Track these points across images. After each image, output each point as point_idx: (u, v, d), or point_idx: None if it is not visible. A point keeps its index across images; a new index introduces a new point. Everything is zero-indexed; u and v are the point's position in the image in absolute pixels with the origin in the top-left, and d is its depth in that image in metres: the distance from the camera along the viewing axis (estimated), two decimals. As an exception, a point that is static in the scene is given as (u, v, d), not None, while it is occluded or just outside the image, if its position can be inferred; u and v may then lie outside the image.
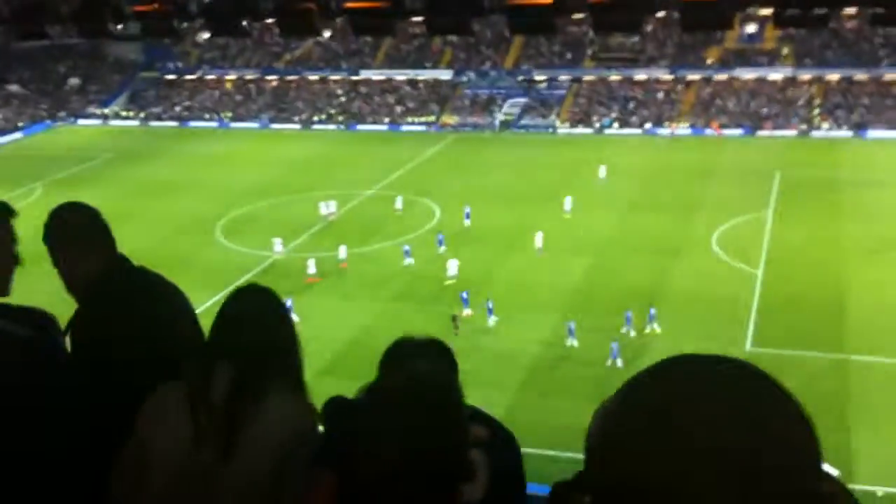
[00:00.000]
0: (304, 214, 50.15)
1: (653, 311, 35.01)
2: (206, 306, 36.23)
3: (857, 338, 33.38)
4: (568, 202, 49.04)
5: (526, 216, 48.04)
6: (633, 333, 34.28)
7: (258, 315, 3.40)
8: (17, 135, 79.21)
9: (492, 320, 35.61)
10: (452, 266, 39.81)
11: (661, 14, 49.82)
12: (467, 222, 47.76)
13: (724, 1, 20.58)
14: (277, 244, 43.99)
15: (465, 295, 36.95)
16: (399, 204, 51.18)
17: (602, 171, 56.34)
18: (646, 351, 33.17)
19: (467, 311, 36.27)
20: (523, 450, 3.05)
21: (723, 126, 69.60)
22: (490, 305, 35.98)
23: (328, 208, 50.11)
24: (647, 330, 34.64)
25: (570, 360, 32.99)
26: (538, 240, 42.95)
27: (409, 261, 42.16)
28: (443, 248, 43.58)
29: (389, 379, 2.10)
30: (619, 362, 32.00)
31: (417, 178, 58.31)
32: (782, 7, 20.30)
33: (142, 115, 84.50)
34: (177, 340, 3.95)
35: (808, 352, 32.15)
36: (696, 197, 51.23)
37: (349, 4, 23.42)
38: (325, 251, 43.29)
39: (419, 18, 24.75)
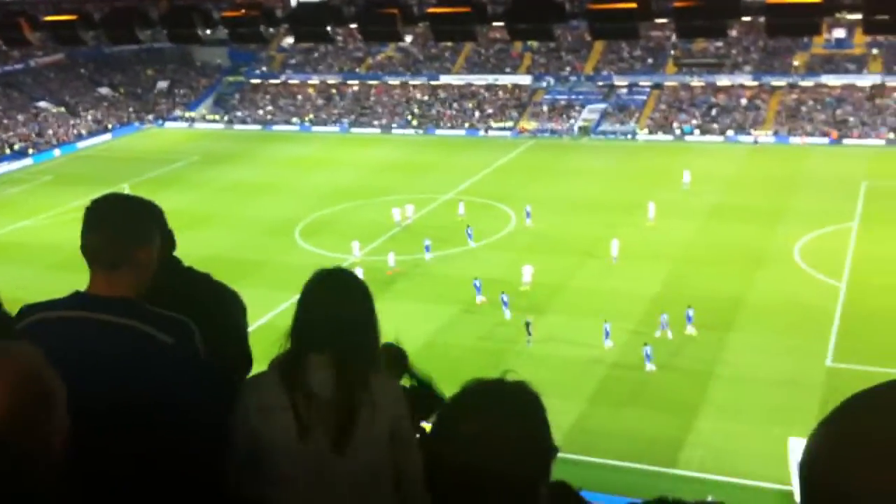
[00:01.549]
0: (381, 218, 50.61)
1: (690, 312, 34.80)
2: (284, 307, 36.82)
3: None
4: (651, 209, 48.52)
5: (604, 223, 47.67)
6: (670, 336, 34.23)
7: (346, 300, 3.42)
8: (107, 136, 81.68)
9: (508, 314, 36.30)
10: (527, 272, 39.73)
11: (746, 18, 48.91)
12: (528, 221, 48.45)
13: (811, 6, 20.15)
14: (356, 247, 44.46)
15: (478, 283, 38.26)
16: (462, 210, 51.23)
17: (686, 177, 55.60)
18: (681, 354, 33.23)
19: (482, 299, 37.73)
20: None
21: (808, 134, 68.10)
22: (505, 299, 36.74)
23: (403, 213, 50.46)
24: (687, 332, 34.62)
25: (603, 363, 33.10)
26: (614, 247, 42.56)
27: (429, 256, 43.39)
28: (472, 243, 45.31)
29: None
30: (652, 366, 32.11)
31: (494, 184, 58.34)
32: (871, 12, 19.78)
33: (226, 118, 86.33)
34: (215, 336, 4.05)
35: (893, 369, 30.56)
36: (780, 206, 50.18)
37: (431, 10, 23.61)
38: (403, 254, 43.59)
39: (500, 23, 24.77)
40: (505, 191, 55.77)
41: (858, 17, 21.57)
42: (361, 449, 3.32)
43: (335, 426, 3.29)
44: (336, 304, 3.38)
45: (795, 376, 31.17)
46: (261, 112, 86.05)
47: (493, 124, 77.31)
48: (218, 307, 4.01)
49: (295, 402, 3.31)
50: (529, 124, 76.35)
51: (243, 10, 24.98)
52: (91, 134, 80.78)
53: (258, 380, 3.49)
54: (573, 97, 78.62)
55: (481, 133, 76.42)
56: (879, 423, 1.28)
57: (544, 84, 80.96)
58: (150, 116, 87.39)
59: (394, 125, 79.89)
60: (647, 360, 32.16)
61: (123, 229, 3.25)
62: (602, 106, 76.82)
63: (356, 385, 3.31)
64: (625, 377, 32.06)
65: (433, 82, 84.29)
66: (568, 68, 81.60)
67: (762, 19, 21.88)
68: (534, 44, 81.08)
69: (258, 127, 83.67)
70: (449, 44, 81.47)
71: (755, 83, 74.98)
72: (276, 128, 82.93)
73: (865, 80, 71.91)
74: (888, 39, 71.05)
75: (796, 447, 23.90)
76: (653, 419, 29.02)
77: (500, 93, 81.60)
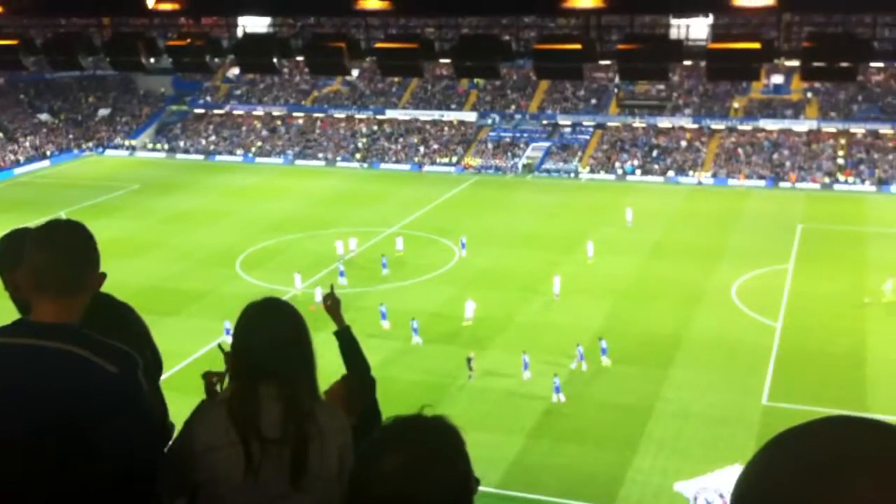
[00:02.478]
0: (324, 251, 50.31)
1: (603, 344, 35.49)
2: (223, 339, 36.30)
3: (879, 395, 32.87)
4: (590, 247, 48.97)
5: (546, 259, 47.98)
6: (584, 367, 34.96)
7: (282, 330, 3.36)
8: (45, 163, 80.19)
9: (416, 340, 37.45)
10: (469, 308, 39.76)
11: (687, 62, 50.03)
12: (463, 252, 49.57)
13: (751, 51, 20.67)
14: (297, 280, 44.11)
15: (383, 309, 39.19)
16: (400, 245, 51.14)
17: (629, 215, 56.32)
18: (593, 384, 33.96)
19: (385, 324, 38.70)
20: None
21: (746, 177, 69.55)
22: (415, 325, 37.77)
23: (347, 246, 50.19)
24: (605, 363, 35.32)
25: (545, 398, 33.17)
26: (556, 284, 42.83)
27: (342, 281, 43.99)
28: (386, 271, 46.37)
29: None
30: (562, 397, 32.64)
31: (438, 219, 58.45)
32: (809, 59, 20.36)
33: (168, 147, 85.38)
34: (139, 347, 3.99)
35: (827, 408, 30.82)
36: (718, 247, 51.01)
37: (379, 44, 23.72)
38: (347, 289, 43.36)
39: (447, 60, 24.98)
40: (448, 226, 55.88)
41: (796, 63, 22.21)
42: (315, 482, 3.25)
43: (288, 462, 3.22)
44: (273, 334, 3.30)
45: (732, 414, 31.53)
46: (204, 142, 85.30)
47: (438, 160, 77.66)
48: (132, 318, 4.01)
49: (243, 439, 3.23)
50: (474, 160, 76.81)
51: (189, 40, 24.84)
52: (29, 160, 79.21)
53: (203, 416, 3.39)
54: (517, 135, 79.37)
55: (426, 168, 76.69)
56: (805, 455, 1.33)
57: (489, 121, 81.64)
58: (91, 144, 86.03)
59: (339, 158, 79.77)
60: (556, 391, 32.67)
61: (77, 253, 3.22)
62: (546, 144, 77.62)
63: (304, 417, 3.24)
64: (565, 412, 32.13)
65: (379, 116, 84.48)
66: (513, 106, 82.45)
67: (703, 63, 22.40)
68: (480, 81, 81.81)
69: (201, 157, 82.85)
70: (395, 79, 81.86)
71: (695, 126, 76.47)
72: (219, 158, 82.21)
73: (802, 126, 73.77)
74: (825, 86, 73.13)
75: (683, 488, 25.37)
76: (593, 455, 29.08)
77: (446, 129, 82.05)
